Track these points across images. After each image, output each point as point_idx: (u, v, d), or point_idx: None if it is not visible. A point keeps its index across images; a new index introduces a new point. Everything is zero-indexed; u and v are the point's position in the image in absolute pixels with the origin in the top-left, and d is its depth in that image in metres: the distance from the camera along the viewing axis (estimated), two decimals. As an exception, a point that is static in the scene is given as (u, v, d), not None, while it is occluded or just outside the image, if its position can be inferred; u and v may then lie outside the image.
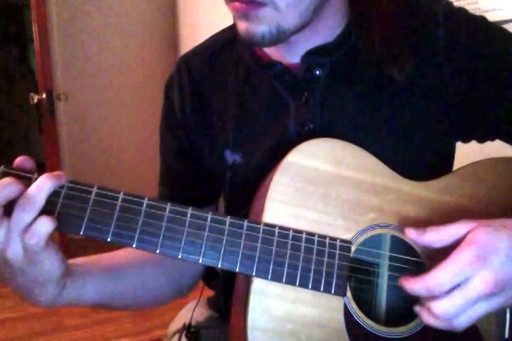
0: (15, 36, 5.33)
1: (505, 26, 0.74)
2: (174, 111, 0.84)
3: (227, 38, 0.84)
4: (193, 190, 0.88)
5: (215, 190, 0.87)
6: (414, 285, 0.56)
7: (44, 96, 2.99)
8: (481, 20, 0.73)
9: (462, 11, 0.74)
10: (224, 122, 0.80)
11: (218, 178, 0.83)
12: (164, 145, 0.89)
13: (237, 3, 0.64)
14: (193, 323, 0.93)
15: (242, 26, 0.66)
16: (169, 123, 0.87)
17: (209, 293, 0.98)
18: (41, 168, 0.58)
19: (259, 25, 0.64)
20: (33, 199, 0.53)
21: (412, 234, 0.61)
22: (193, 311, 0.94)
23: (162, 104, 0.88)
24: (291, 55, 0.75)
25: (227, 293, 0.78)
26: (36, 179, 0.55)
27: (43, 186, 0.54)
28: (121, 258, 0.78)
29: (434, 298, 0.56)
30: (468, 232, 0.58)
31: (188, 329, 0.91)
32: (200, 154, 0.84)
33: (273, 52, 0.77)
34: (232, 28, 0.83)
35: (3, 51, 5.27)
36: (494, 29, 0.73)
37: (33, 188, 0.54)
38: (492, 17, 0.74)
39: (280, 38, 0.66)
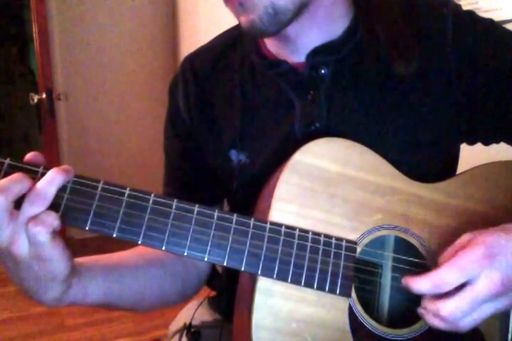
0: (15, 36, 5.32)
1: (505, 26, 0.74)
2: (179, 111, 0.84)
3: (232, 38, 0.83)
4: (198, 190, 0.87)
5: (219, 189, 0.87)
6: (420, 283, 0.56)
7: (44, 96, 2.98)
8: (489, 22, 0.73)
9: (470, 13, 0.74)
10: (229, 122, 0.80)
11: (223, 178, 0.83)
12: (169, 145, 0.89)
13: None
14: (194, 323, 0.93)
15: (242, 19, 0.67)
16: (174, 123, 0.86)
17: (210, 293, 0.98)
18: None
19: (255, 10, 0.65)
20: (43, 193, 0.53)
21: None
22: (194, 311, 0.94)
23: (166, 103, 0.88)
24: (296, 54, 0.75)
25: (228, 293, 0.78)
26: (43, 173, 0.55)
27: (53, 180, 0.54)
28: (126, 259, 0.77)
29: (440, 298, 0.56)
30: (475, 236, 0.58)
31: (189, 329, 0.91)
32: (205, 154, 0.84)
33: (278, 52, 0.77)
34: (237, 28, 0.83)
35: (3, 51, 5.26)
36: (502, 31, 0.73)
37: (43, 182, 0.53)
38: (492, 17, 0.74)
39: (279, 19, 0.66)
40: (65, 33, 3.40)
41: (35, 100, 3.01)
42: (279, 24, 0.67)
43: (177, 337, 0.91)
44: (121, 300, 0.74)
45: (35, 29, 3.03)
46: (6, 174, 0.54)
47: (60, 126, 3.40)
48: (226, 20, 0.82)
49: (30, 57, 5.16)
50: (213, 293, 0.98)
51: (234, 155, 0.79)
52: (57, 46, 3.37)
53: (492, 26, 0.73)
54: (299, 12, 0.67)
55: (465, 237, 0.58)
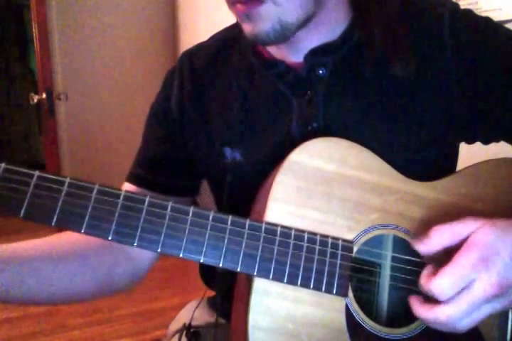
0: (15, 36, 5.33)
1: (506, 26, 0.74)
2: (169, 100, 0.84)
3: (231, 36, 0.83)
4: (170, 178, 0.86)
5: (193, 183, 0.87)
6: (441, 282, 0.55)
7: (44, 96, 2.99)
8: (487, 21, 0.73)
9: (468, 12, 0.74)
10: (225, 119, 0.79)
11: (214, 173, 0.83)
12: (150, 129, 0.88)
13: (238, 5, 0.65)
14: (193, 323, 0.93)
15: (247, 28, 0.67)
16: (160, 110, 0.86)
17: (209, 293, 0.98)
18: (41, 168, 0.57)
19: (262, 23, 0.65)
20: None
21: (421, 248, 0.60)
22: (193, 311, 0.94)
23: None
24: (294, 54, 0.75)
25: (227, 293, 0.78)
26: (38, 176, 0.55)
27: None
28: (37, 250, 0.70)
29: (437, 303, 0.56)
30: (472, 232, 0.57)
31: (188, 329, 0.90)
32: (192, 147, 0.84)
33: (276, 52, 0.77)
34: (236, 26, 0.83)
35: (3, 51, 5.27)
36: (500, 30, 0.73)
37: None
38: (492, 17, 0.74)
39: (285, 33, 0.66)
40: (65, 33, 3.40)
41: (35, 100, 3.02)
42: (285, 37, 0.67)
43: (177, 337, 0.91)
44: (16, 294, 0.67)
45: (35, 29, 3.04)
46: (2, 178, 0.54)
47: (60, 126, 3.40)
48: (226, 19, 0.82)
49: (30, 57, 5.18)
50: (213, 293, 0.98)
51: (228, 152, 0.79)
52: (57, 46, 3.37)
53: (490, 24, 0.73)
54: (305, 23, 0.68)
55: (464, 228, 0.58)
